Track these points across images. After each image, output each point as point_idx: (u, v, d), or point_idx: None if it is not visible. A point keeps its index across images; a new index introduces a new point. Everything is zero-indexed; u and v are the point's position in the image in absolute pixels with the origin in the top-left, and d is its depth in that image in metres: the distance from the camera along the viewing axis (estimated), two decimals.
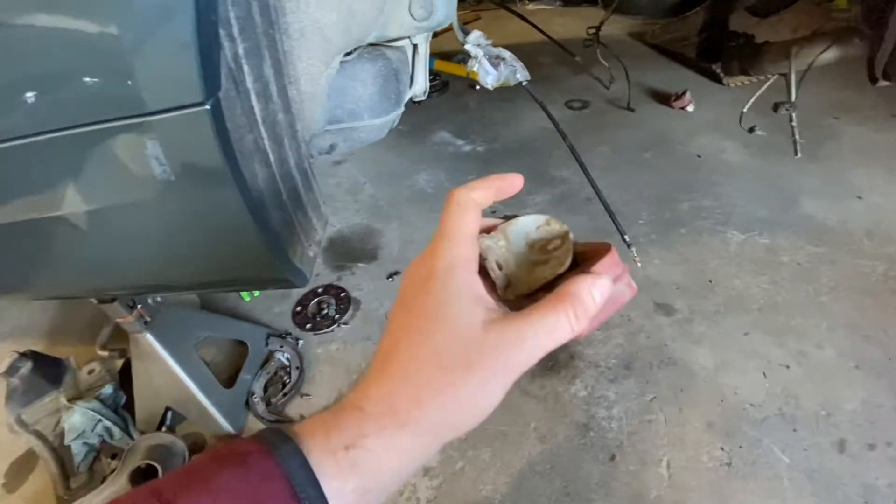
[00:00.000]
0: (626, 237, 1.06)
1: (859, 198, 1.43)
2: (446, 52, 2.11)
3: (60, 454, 0.95)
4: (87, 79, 0.37)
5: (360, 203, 1.60)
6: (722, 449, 0.93)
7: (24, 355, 0.97)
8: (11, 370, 0.96)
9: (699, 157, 1.67)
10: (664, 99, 1.96)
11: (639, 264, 1.06)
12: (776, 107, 1.08)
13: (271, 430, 0.25)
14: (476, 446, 0.97)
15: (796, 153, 1.13)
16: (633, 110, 1.93)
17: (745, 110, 1.29)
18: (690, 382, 1.04)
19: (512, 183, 0.32)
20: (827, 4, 1.41)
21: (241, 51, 0.45)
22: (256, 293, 1.32)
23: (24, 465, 1.00)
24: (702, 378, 1.04)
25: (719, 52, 1.60)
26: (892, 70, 0.77)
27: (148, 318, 0.88)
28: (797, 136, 1.11)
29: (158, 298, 0.91)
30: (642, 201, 1.50)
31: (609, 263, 0.29)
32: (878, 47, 0.81)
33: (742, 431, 0.95)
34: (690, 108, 1.88)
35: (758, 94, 1.31)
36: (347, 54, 0.72)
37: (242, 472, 0.23)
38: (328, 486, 0.23)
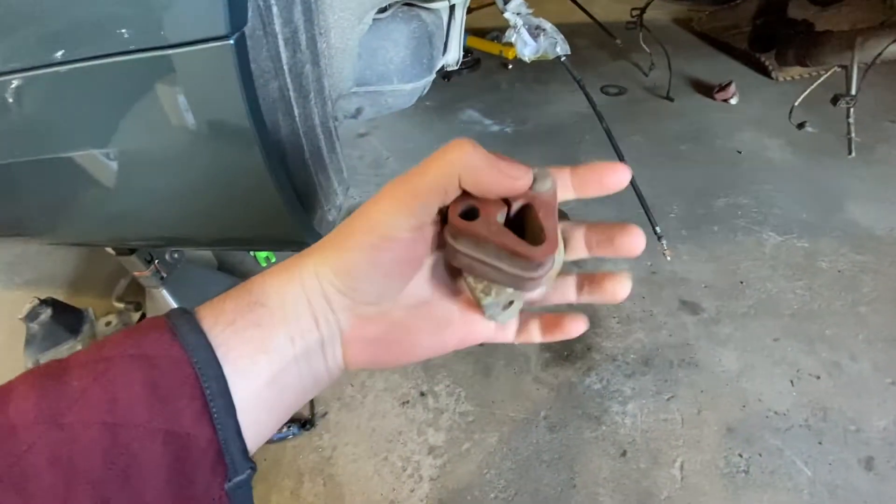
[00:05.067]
0: (658, 228, 1.01)
1: None
2: (480, 28, 2.04)
3: None
4: (104, 6, 0.35)
5: (381, 177, 1.57)
6: (740, 455, 0.89)
7: (44, 302, 0.99)
8: (31, 316, 0.97)
9: (739, 152, 1.59)
10: (706, 90, 1.86)
11: (668, 258, 1.01)
12: (835, 99, 1.00)
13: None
14: (483, 429, 0.95)
15: (850, 152, 1.06)
16: (672, 100, 1.84)
17: (796, 104, 1.21)
18: (712, 385, 0.99)
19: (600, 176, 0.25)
20: (891, 1, 1.31)
21: None
22: (273, 258, 1.32)
23: None
24: (724, 381, 1.00)
25: (774, 40, 1.50)
26: None
27: (164, 274, 0.88)
28: (853, 134, 1.03)
29: (176, 255, 0.91)
30: (675, 195, 1.43)
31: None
32: None
33: (763, 439, 0.91)
34: (734, 101, 1.79)
35: (811, 87, 1.23)
36: (381, 11, 0.68)
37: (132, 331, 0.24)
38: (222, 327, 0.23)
